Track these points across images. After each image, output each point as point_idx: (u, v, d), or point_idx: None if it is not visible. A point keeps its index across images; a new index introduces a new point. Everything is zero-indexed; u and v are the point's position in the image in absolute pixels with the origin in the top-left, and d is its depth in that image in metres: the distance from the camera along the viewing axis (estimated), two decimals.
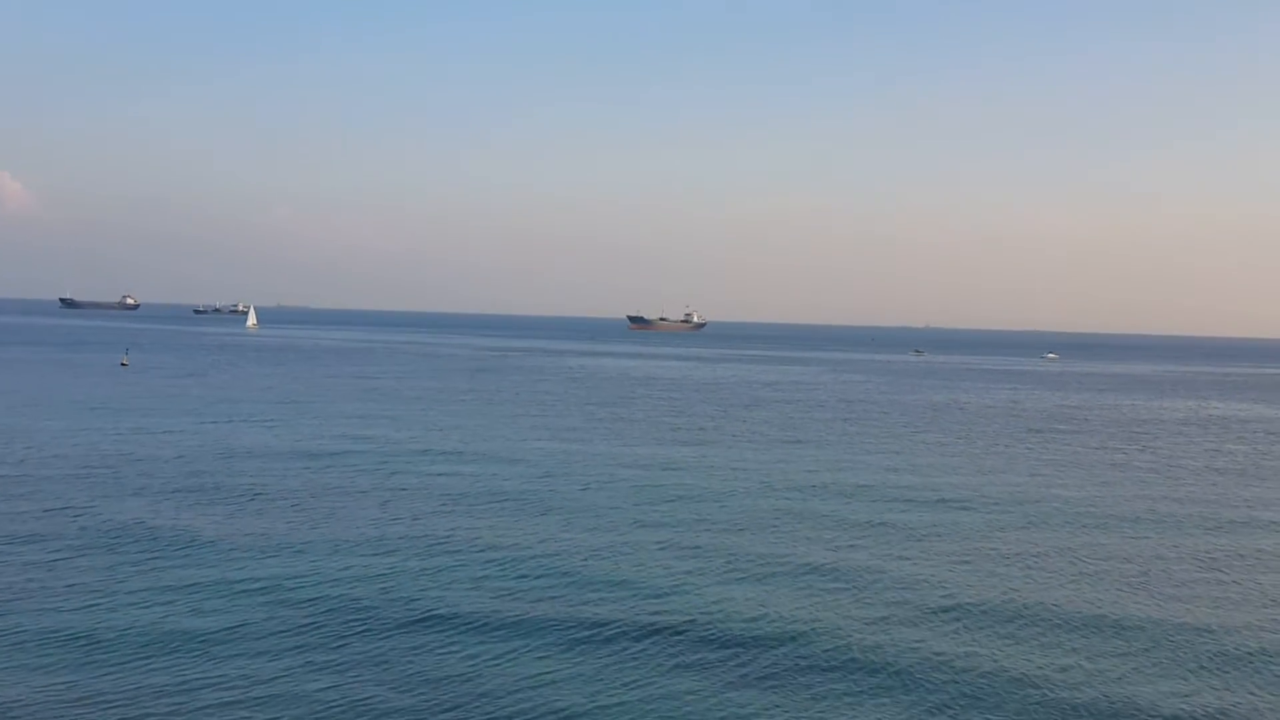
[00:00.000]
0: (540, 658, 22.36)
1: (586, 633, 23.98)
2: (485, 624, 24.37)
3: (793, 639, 23.97)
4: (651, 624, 24.70)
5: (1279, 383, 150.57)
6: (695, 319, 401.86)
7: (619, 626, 24.48)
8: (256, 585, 26.78)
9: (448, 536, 32.87)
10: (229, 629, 23.40)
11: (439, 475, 44.27)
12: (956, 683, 21.63)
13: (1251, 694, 21.50)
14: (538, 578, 28.42)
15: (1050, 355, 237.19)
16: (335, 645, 22.65)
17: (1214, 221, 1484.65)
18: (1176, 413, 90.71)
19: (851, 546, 33.29)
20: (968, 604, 27.20)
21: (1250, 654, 23.98)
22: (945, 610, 26.61)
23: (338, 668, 21.31)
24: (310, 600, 25.73)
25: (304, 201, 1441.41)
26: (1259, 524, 39.45)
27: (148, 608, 24.66)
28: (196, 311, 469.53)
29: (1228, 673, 22.72)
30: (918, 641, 24.07)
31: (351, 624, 24.07)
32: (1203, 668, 23.00)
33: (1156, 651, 23.95)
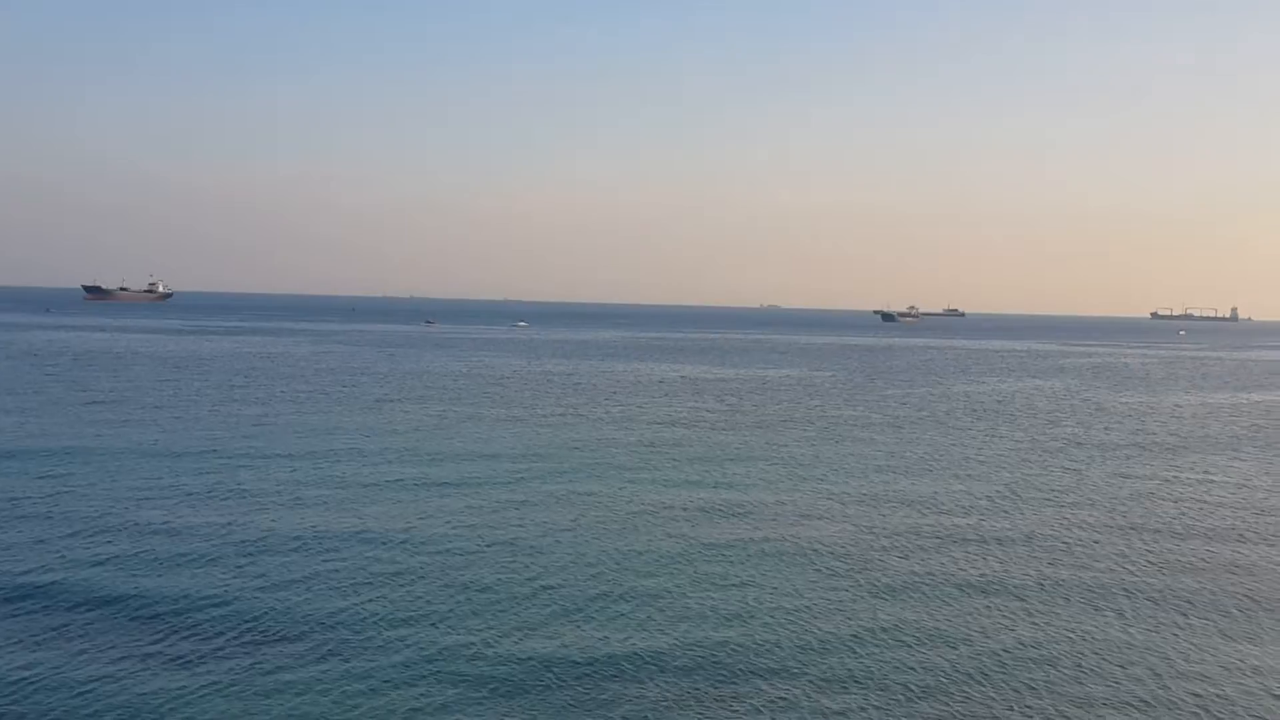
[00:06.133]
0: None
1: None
2: None
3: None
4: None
5: (709, 346, 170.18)
6: (161, 289, 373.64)
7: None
8: None
9: None
10: None
11: None
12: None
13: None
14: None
15: (520, 324, 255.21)
16: None
17: (665, 203, 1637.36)
18: (637, 375, 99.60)
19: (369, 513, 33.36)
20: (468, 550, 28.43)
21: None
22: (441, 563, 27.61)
23: None
24: None
25: None
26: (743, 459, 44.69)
27: None
28: None
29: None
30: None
31: None
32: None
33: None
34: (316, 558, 28.37)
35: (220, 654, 21.21)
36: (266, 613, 23.70)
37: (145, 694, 19.24)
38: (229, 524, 31.84)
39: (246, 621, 23.09)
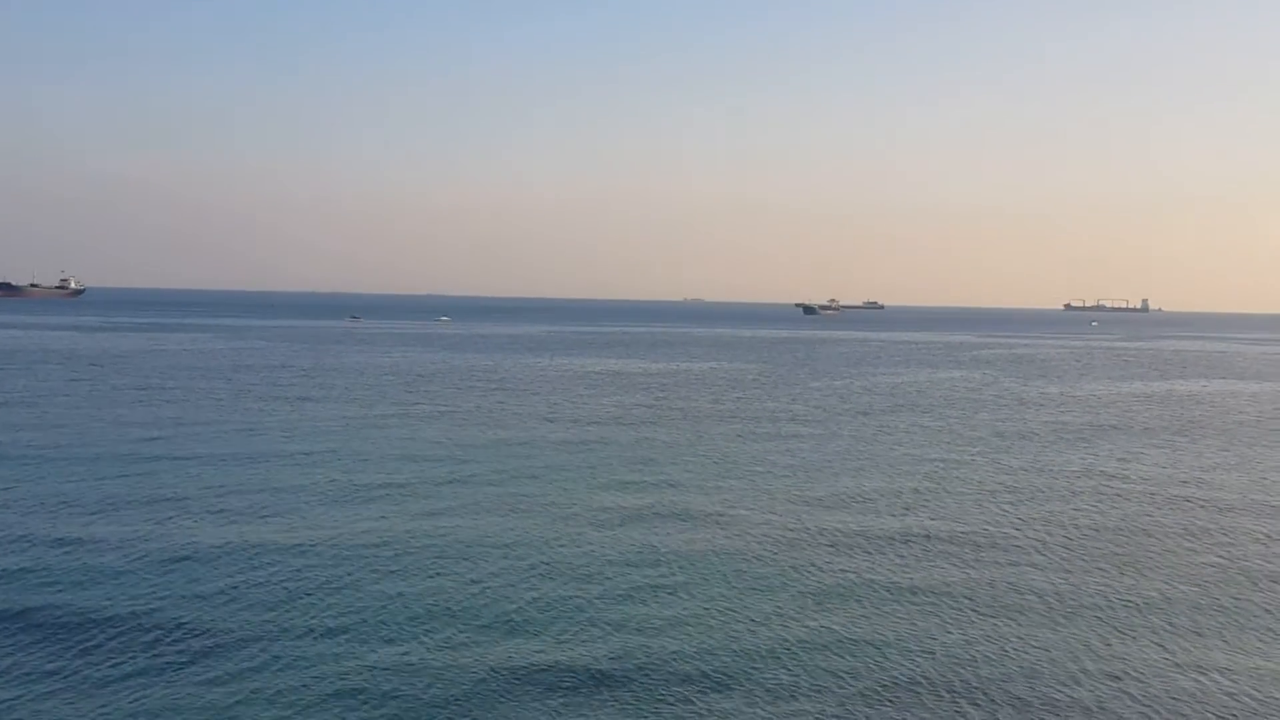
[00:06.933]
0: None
1: None
2: None
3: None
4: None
5: (634, 340, 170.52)
6: (73, 284, 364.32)
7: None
8: None
9: None
10: None
11: None
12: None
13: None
14: None
15: (443, 319, 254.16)
16: None
17: (586, 198, 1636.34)
18: (562, 370, 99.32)
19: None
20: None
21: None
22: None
23: None
24: None
25: None
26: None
27: None
28: None
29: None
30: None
31: None
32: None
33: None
34: (239, 568, 27.67)
35: (142, 672, 20.54)
36: (188, 627, 23.02)
37: (62, 716, 18.59)
38: (148, 532, 30.94)
39: (168, 637, 22.41)
